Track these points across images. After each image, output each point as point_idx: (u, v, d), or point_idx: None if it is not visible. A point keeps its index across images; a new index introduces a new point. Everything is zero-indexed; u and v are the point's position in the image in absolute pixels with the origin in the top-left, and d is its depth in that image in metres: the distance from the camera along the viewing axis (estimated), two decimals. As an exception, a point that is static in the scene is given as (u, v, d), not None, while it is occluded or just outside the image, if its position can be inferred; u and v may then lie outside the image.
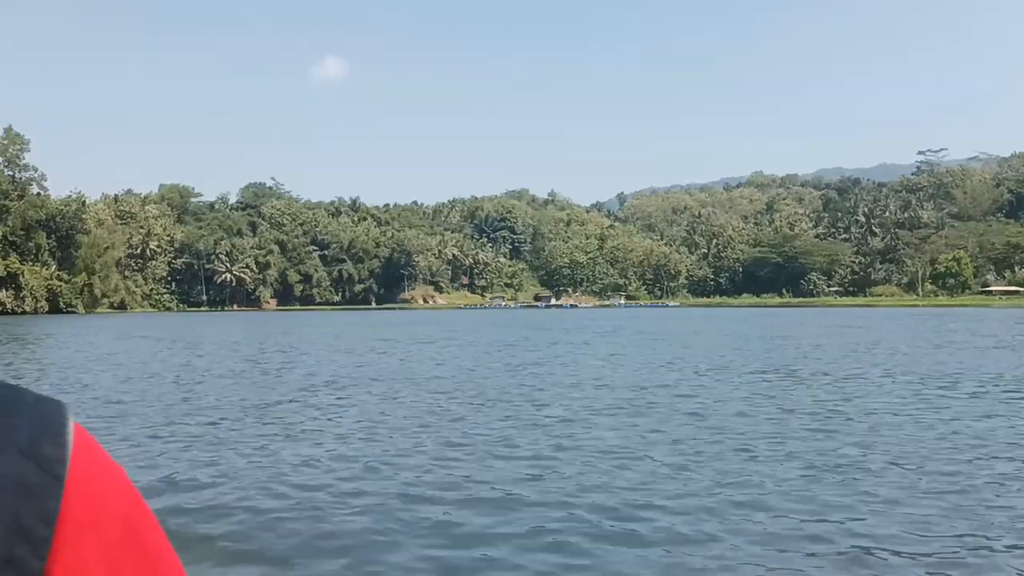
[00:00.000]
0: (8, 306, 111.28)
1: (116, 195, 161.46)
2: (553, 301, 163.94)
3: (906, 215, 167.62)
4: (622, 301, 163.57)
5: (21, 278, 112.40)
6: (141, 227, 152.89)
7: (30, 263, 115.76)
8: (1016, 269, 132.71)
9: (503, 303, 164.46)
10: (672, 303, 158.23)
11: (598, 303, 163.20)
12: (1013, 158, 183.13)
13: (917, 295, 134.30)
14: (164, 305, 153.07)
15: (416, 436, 11.69)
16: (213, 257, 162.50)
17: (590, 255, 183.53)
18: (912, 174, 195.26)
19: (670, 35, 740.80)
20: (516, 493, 8.23)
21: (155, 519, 0.73)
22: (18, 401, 0.66)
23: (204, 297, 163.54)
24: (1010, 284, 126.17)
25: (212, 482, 8.92)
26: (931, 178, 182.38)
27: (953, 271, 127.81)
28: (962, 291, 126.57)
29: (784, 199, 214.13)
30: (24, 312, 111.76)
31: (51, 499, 0.63)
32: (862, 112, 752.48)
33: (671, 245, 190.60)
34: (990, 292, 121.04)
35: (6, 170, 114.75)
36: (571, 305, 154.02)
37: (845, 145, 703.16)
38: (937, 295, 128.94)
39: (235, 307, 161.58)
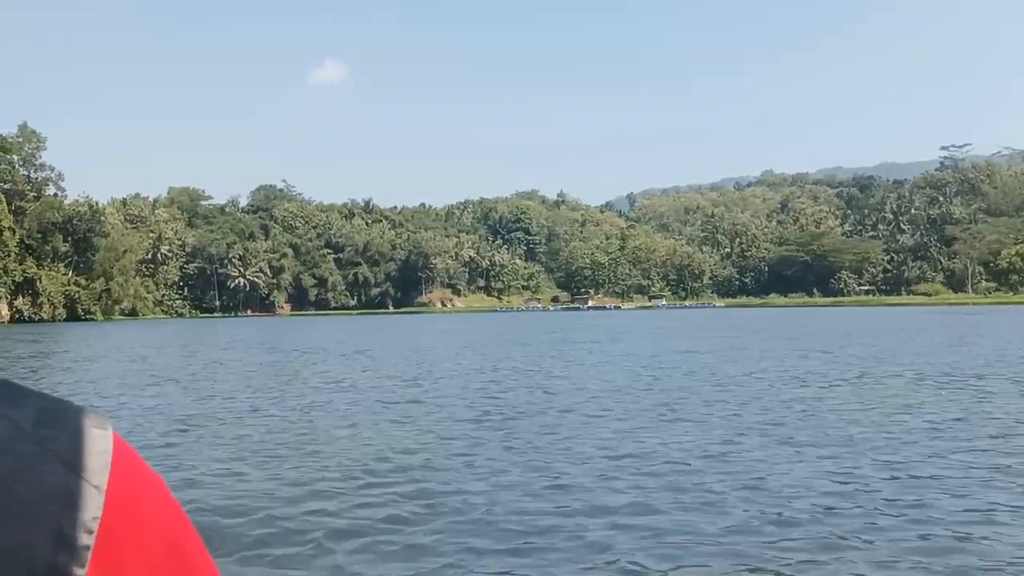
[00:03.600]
0: (26, 313, 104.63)
1: (124, 199, 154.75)
2: (590, 303, 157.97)
3: (936, 211, 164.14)
4: (664, 302, 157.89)
5: (39, 283, 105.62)
6: (151, 231, 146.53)
7: (47, 267, 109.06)
8: None
9: (539, 305, 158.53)
10: (719, 304, 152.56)
11: (638, 305, 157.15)
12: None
13: (968, 292, 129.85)
14: (176, 311, 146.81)
15: None
16: (226, 261, 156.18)
17: (612, 256, 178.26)
18: (936, 170, 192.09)
19: (682, 34, 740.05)
20: None
21: (194, 528, 0.73)
22: (60, 413, 0.67)
23: (217, 303, 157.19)
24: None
25: None
26: (956, 174, 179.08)
27: (1017, 267, 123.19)
28: (1022, 287, 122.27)
29: (799, 197, 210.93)
30: (42, 319, 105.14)
31: (92, 509, 0.63)
32: (866, 111, 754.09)
33: (691, 244, 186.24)
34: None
35: (21, 169, 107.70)
36: (615, 307, 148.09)
37: (845, 145, 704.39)
38: (989, 293, 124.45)
39: (249, 312, 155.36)
